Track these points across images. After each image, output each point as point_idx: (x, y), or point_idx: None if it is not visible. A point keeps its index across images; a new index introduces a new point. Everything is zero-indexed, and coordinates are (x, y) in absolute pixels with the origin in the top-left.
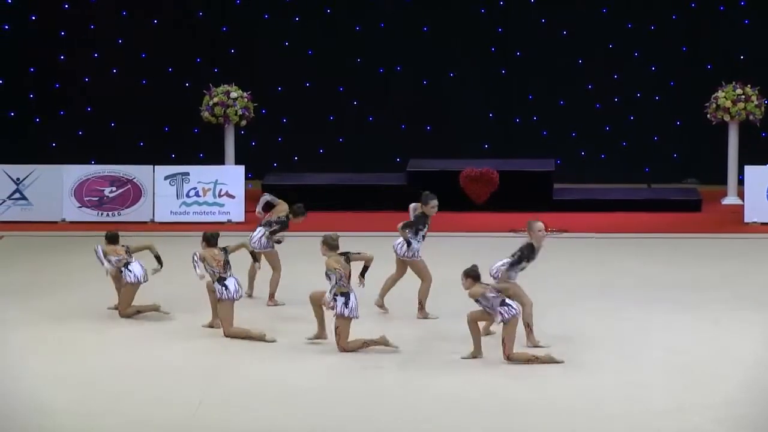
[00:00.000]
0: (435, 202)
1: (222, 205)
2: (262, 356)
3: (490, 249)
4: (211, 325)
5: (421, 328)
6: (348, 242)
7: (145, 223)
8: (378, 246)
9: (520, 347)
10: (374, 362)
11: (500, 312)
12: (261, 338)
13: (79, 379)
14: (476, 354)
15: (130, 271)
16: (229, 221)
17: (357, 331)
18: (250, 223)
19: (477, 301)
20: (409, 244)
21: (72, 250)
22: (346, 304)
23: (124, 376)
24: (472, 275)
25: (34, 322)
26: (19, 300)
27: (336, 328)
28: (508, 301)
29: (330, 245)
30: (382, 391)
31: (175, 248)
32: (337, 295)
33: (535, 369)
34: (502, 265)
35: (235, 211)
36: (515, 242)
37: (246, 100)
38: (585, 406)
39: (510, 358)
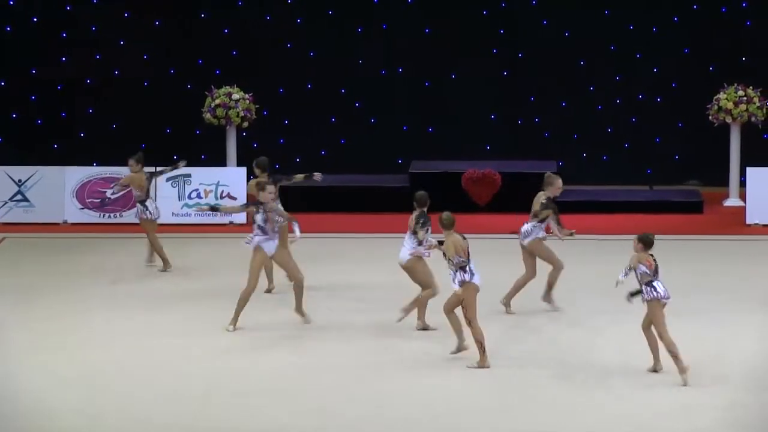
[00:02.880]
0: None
1: None
2: (270, 354)
3: (492, 251)
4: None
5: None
6: (349, 244)
7: None
8: (379, 247)
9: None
10: (383, 361)
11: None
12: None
13: (83, 380)
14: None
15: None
16: (231, 223)
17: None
18: (252, 225)
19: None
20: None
21: (74, 252)
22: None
23: (128, 375)
24: (644, 241)
25: (35, 324)
26: (21, 301)
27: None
28: (655, 283)
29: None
30: (391, 390)
31: (176, 250)
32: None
33: (540, 371)
34: (533, 228)
35: (238, 214)
36: (517, 244)
37: (248, 101)
38: (589, 406)
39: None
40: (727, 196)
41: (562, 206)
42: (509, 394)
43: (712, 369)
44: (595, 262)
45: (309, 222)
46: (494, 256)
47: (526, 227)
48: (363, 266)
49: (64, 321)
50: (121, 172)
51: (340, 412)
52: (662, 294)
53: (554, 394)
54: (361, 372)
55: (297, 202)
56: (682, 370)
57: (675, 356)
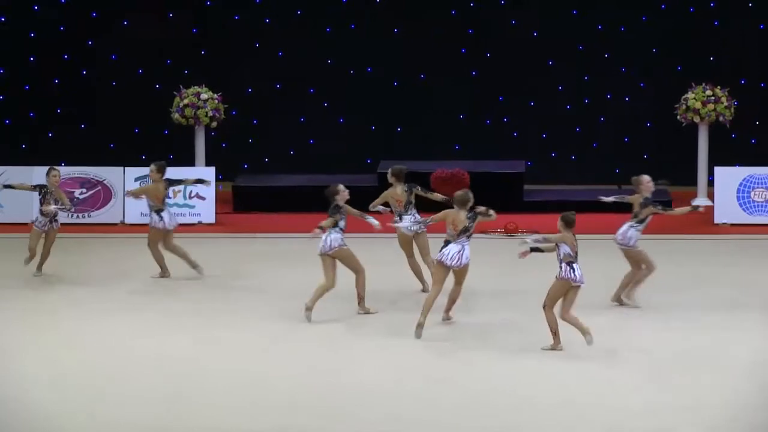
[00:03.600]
0: None
1: (192, 207)
2: (250, 352)
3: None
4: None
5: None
6: (316, 245)
7: (116, 224)
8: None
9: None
10: (377, 357)
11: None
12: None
13: (53, 379)
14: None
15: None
16: (200, 223)
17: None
18: (220, 224)
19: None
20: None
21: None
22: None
23: (98, 374)
24: (565, 220)
25: (3, 324)
26: None
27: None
28: (574, 265)
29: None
30: (387, 387)
31: (144, 250)
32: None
33: (515, 368)
34: (630, 228)
35: (206, 212)
36: (487, 243)
37: (216, 101)
38: (560, 403)
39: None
40: (695, 196)
41: (531, 206)
42: (489, 392)
43: (682, 368)
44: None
45: (279, 222)
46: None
47: (623, 229)
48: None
49: (33, 321)
50: (89, 171)
51: (317, 409)
52: (577, 278)
53: (526, 390)
54: (354, 368)
55: (265, 201)
56: (556, 345)
57: (555, 333)
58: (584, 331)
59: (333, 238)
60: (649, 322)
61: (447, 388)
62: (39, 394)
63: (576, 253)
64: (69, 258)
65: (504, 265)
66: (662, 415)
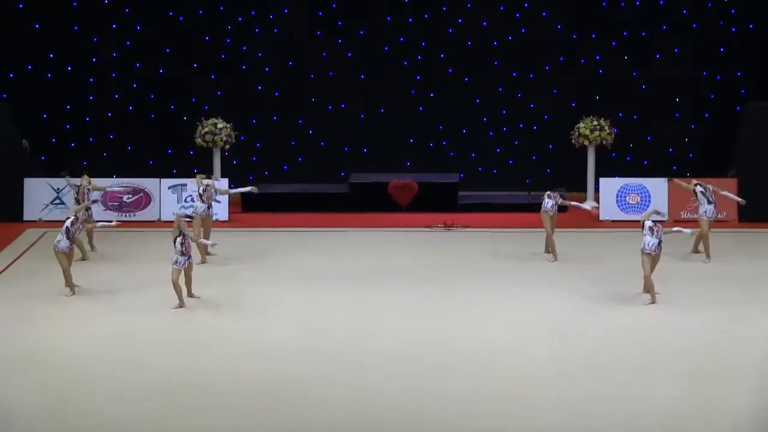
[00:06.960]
0: None
1: (210, 208)
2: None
3: (412, 240)
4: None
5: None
6: (305, 236)
7: (154, 221)
8: (328, 239)
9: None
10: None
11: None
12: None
13: (113, 337)
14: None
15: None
16: (217, 219)
17: None
18: (233, 221)
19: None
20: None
21: (100, 242)
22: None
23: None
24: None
25: (68, 298)
26: (56, 281)
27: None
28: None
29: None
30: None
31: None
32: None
33: (450, 325)
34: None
35: (221, 212)
36: (433, 236)
37: (229, 129)
38: (479, 349)
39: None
40: (585, 200)
41: (464, 207)
42: (444, 343)
43: (575, 337)
44: (487, 249)
45: (276, 219)
46: (413, 245)
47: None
48: (335, 254)
49: (95, 296)
50: (134, 182)
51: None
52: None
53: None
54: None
55: (266, 204)
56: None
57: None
58: None
59: None
60: (550, 294)
61: (394, 342)
62: (105, 347)
63: None
64: (117, 248)
65: (443, 252)
66: (563, 362)
